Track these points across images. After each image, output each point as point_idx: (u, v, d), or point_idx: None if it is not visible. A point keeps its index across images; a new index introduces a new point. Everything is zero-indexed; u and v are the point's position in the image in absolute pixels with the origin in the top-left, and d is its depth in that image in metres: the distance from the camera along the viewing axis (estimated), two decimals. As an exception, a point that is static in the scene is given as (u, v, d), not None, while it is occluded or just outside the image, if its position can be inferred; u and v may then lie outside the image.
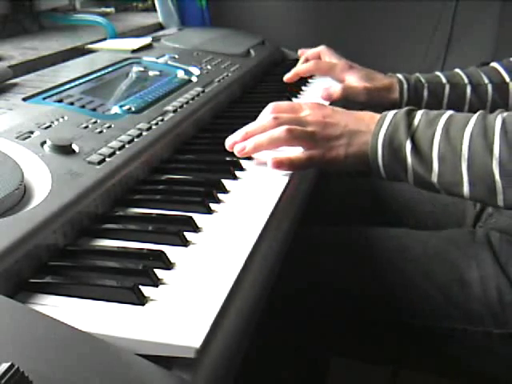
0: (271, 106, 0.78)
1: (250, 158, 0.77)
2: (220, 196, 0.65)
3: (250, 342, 0.51)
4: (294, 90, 1.11)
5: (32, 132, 0.64)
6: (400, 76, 1.05)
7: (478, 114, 0.69)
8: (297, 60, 1.42)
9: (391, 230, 0.88)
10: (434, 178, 0.68)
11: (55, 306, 0.46)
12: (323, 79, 1.22)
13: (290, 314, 0.83)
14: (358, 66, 1.08)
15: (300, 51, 1.23)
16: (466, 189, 0.67)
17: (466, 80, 1.03)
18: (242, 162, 0.74)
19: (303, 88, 1.15)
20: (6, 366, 0.32)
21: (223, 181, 0.68)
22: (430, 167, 0.68)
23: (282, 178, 0.71)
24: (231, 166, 0.73)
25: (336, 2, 2.04)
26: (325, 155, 0.73)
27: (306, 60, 1.18)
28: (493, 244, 0.81)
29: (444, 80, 1.03)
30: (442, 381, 0.97)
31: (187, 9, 1.47)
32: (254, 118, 0.93)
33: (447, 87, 1.03)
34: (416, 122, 0.71)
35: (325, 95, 1.03)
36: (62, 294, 0.47)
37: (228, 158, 0.75)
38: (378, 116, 0.74)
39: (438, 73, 1.05)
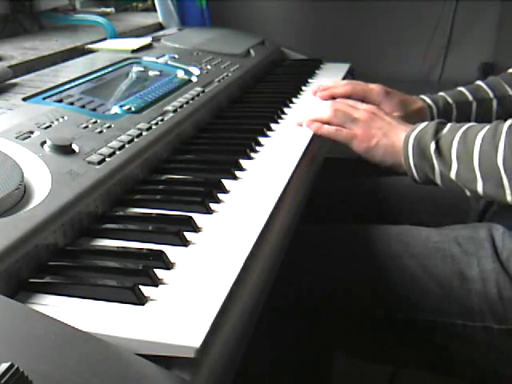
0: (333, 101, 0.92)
1: (250, 158, 0.77)
2: (220, 196, 0.65)
3: (249, 342, 0.51)
4: (293, 90, 1.11)
5: (32, 132, 0.64)
6: (428, 100, 1.02)
7: (495, 122, 0.76)
8: (297, 60, 1.42)
9: (392, 227, 0.88)
10: (453, 175, 0.77)
11: (55, 306, 0.46)
12: (323, 79, 1.22)
13: (290, 313, 0.83)
14: (396, 91, 1.05)
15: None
16: (479, 186, 0.74)
17: (491, 94, 1.02)
18: (241, 162, 0.74)
19: (303, 88, 1.15)
20: (5, 366, 0.32)
21: (223, 181, 0.68)
22: (450, 165, 0.77)
23: (281, 178, 0.71)
24: (231, 165, 0.73)
25: (336, 2, 2.05)
26: (358, 135, 0.85)
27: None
28: (495, 240, 0.81)
29: (470, 98, 1.02)
30: (442, 379, 0.97)
31: (187, 9, 1.47)
32: (253, 118, 0.94)
33: (474, 105, 1.02)
34: (443, 129, 0.80)
35: None
36: (62, 293, 0.47)
37: (228, 158, 0.75)
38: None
39: (461, 89, 1.03)
